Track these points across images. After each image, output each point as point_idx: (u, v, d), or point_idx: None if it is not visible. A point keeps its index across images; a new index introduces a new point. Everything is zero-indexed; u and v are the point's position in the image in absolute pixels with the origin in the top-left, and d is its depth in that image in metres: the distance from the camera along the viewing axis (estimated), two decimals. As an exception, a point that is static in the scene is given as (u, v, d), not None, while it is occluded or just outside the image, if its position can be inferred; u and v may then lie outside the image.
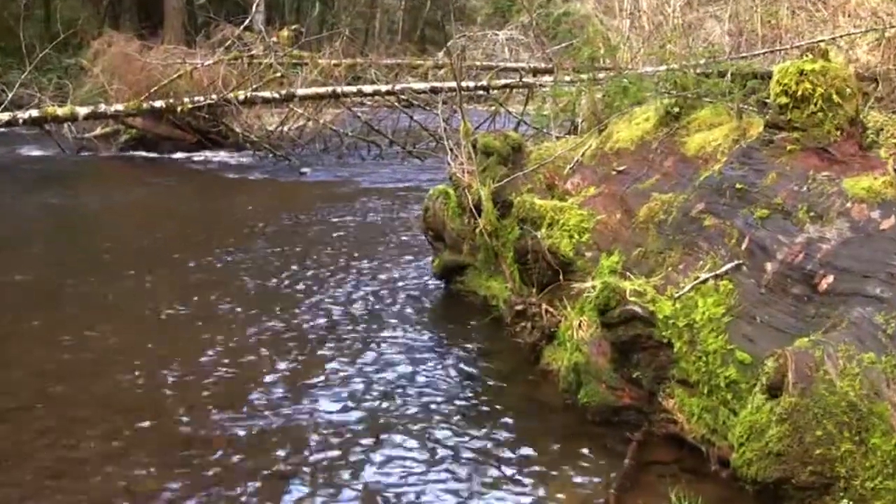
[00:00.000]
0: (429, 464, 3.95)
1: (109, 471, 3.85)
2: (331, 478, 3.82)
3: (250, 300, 6.42)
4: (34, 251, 8.12)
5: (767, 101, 4.63)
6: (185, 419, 4.38)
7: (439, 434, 4.25)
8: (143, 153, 15.33)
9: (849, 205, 3.86)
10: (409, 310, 6.29)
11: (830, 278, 3.69)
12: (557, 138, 7.29)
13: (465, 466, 3.93)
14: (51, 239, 8.79)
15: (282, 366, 5.13)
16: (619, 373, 4.30)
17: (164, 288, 6.75)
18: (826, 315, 3.60)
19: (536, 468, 3.93)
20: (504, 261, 5.93)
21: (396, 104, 15.26)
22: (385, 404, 4.60)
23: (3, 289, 6.78)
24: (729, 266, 4.08)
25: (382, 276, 7.13)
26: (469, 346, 5.59)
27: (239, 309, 6.19)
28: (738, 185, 4.31)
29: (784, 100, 4.25)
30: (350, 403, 4.60)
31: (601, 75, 7.76)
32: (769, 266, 3.93)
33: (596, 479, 3.84)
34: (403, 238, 8.67)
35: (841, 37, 10.71)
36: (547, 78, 13.90)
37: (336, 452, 4.04)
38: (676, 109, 5.45)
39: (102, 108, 14.13)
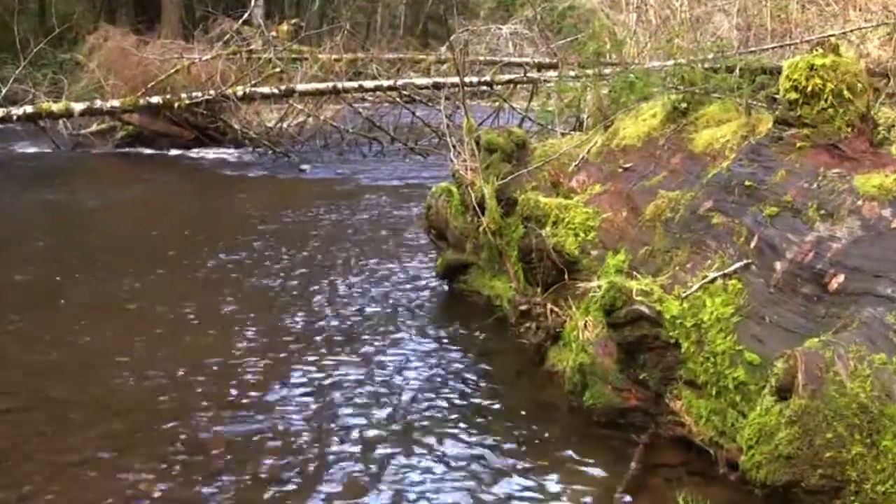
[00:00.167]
0: (431, 466, 3.95)
1: (105, 473, 3.85)
2: (331, 480, 3.82)
3: (249, 300, 6.43)
4: (29, 250, 8.13)
5: (777, 96, 4.63)
6: (183, 421, 4.38)
7: (442, 436, 4.25)
8: (140, 150, 15.35)
9: (860, 202, 3.86)
10: (411, 310, 6.29)
11: (841, 278, 3.69)
12: (562, 135, 7.29)
13: (467, 469, 3.93)
14: (46, 237, 8.80)
15: (281, 367, 5.14)
16: (625, 374, 4.30)
17: (162, 287, 6.76)
18: (836, 315, 3.60)
19: (541, 471, 3.93)
20: (508, 260, 5.93)
21: (398, 100, 15.26)
22: (387, 406, 4.60)
23: (-2, 288, 6.81)
24: (737, 265, 4.08)
25: (384, 276, 7.14)
26: (472, 346, 5.59)
27: (238, 308, 6.20)
28: (746, 183, 4.31)
29: (794, 95, 4.25)
30: (351, 405, 4.60)
31: (607, 70, 7.75)
32: (778, 265, 3.93)
33: (602, 483, 3.84)
34: (405, 237, 8.67)
35: (852, 31, 10.69)
36: (551, 73, 13.88)
37: (337, 454, 4.04)
38: (684, 105, 5.45)
39: (98, 104, 14.13)
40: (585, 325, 4.74)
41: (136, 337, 5.60)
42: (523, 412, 4.57)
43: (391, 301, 6.47)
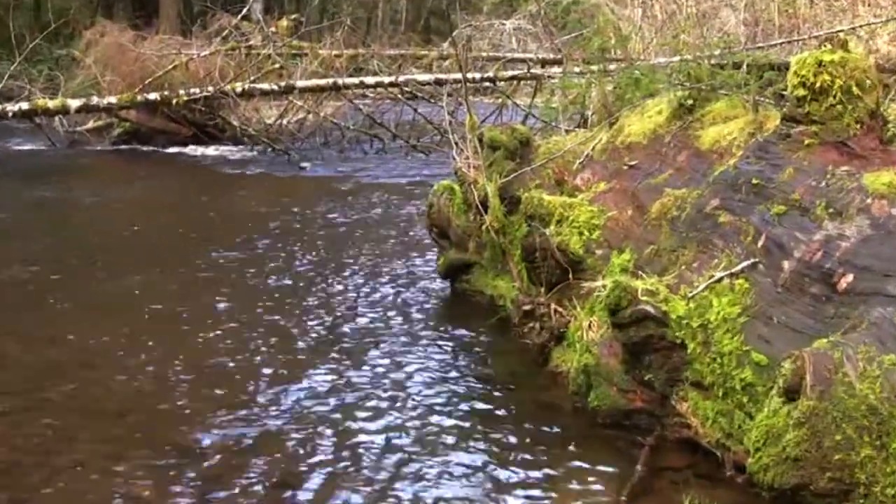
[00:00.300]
0: (434, 469, 3.95)
1: (103, 477, 3.85)
2: (332, 482, 3.82)
3: (248, 299, 6.43)
4: (26, 249, 8.13)
5: (784, 93, 4.63)
6: (182, 423, 4.39)
7: (445, 438, 4.25)
8: (137, 147, 15.36)
9: (869, 201, 3.86)
10: (412, 310, 6.30)
11: (850, 277, 3.69)
12: (567, 132, 7.30)
13: (471, 471, 3.93)
14: (43, 236, 8.80)
15: (281, 368, 5.14)
16: (630, 375, 4.30)
17: (160, 286, 6.77)
18: (845, 315, 3.60)
19: (545, 474, 3.93)
20: (511, 259, 5.93)
21: (400, 96, 15.27)
22: (389, 408, 4.60)
23: (-7, 287, 6.82)
24: (745, 264, 4.08)
25: (385, 275, 7.14)
26: (475, 347, 5.60)
27: (237, 308, 6.21)
28: (754, 181, 4.31)
29: (802, 92, 4.25)
30: (353, 406, 4.60)
31: (612, 66, 7.76)
32: (786, 264, 3.93)
33: (607, 486, 3.84)
34: (407, 235, 8.68)
35: (861, 26, 10.70)
36: (556, 69, 13.91)
37: (338, 456, 4.04)
38: (690, 102, 5.45)
39: (95, 100, 14.16)
40: (590, 326, 4.74)
41: (135, 337, 5.60)
42: (526, 414, 4.56)
43: (392, 301, 6.47)
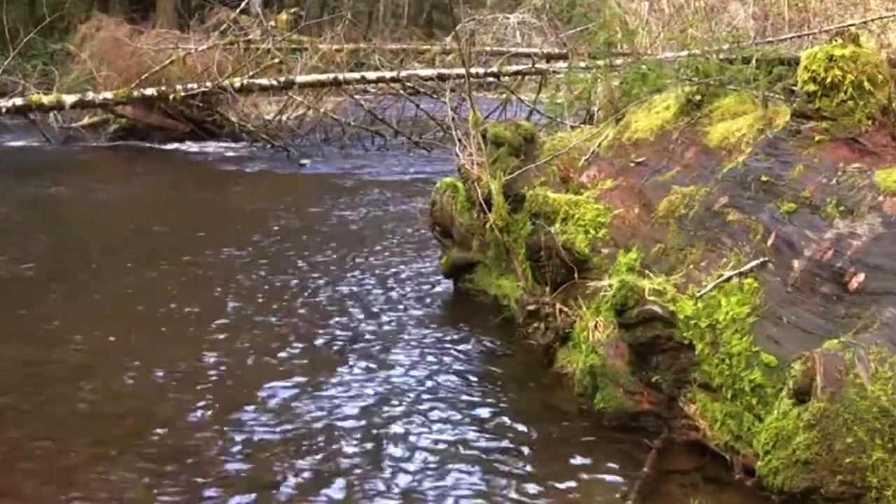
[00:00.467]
0: (437, 471, 3.96)
1: (98, 479, 3.86)
2: (333, 484, 3.83)
3: (247, 299, 6.44)
4: (19, 246, 8.13)
5: (794, 88, 4.63)
6: (179, 424, 4.40)
7: (448, 440, 4.26)
8: (134, 144, 15.36)
9: (881, 198, 3.86)
10: (415, 310, 6.30)
11: (861, 276, 3.69)
12: (572, 128, 7.29)
13: (474, 475, 3.94)
14: (37, 234, 8.81)
15: (281, 368, 5.15)
16: (637, 376, 4.30)
17: (157, 285, 6.77)
18: (857, 315, 3.60)
19: (550, 477, 3.93)
20: (516, 258, 5.94)
21: (402, 92, 15.26)
22: (391, 410, 4.61)
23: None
24: (754, 263, 4.09)
25: (387, 275, 7.15)
26: (479, 348, 5.60)
27: (236, 308, 6.22)
28: (763, 178, 4.32)
29: (812, 87, 4.25)
30: (354, 408, 4.61)
31: (618, 61, 7.74)
32: (796, 263, 3.93)
33: (613, 489, 3.84)
34: (409, 234, 8.68)
35: (872, 20, 10.68)
36: (561, 64, 13.88)
37: (339, 458, 4.05)
38: (698, 97, 5.45)
39: (90, 96, 14.15)
40: (596, 326, 4.74)
41: (133, 336, 5.62)
42: (531, 416, 4.57)
43: (394, 301, 6.48)
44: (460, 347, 5.58)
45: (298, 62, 15.57)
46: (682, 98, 5.55)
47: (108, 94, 14.18)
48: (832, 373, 3.24)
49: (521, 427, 4.43)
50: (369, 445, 4.20)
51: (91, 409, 4.59)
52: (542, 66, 14.66)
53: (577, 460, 4.10)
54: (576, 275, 5.25)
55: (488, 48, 16.30)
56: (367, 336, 5.70)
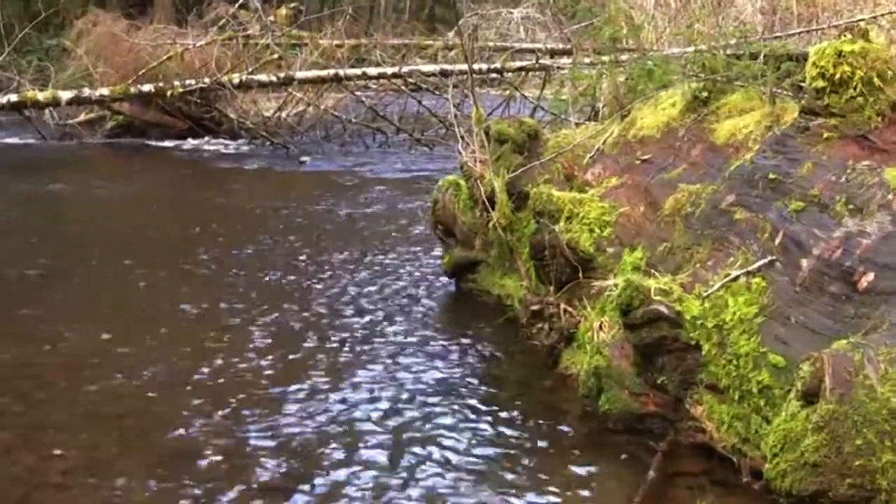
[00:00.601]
0: (439, 473, 3.96)
1: (93, 482, 3.86)
2: (333, 485, 3.83)
3: (246, 299, 6.44)
4: (15, 245, 8.15)
5: (803, 84, 4.63)
6: (178, 426, 4.39)
7: (450, 442, 4.26)
8: (131, 140, 15.38)
9: (890, 196, 3.86)
10: (417, 310, 6.31)
11: (871, 276, 3.69)
12: (577, 125, 7.30)
13: (477, 477, 3.94)
14: (33, 232, 8.81)
15: (281, 369, 5.15)
16: (642, 377, 4.30)
17: (154, 284, 6.78)
18: (866, 315, 3.60)
19: (554, 480, 3.93)
20: (519, 257, 5.94)
21: (403, 88, 15.28)
22: (392, 411, 4.61)
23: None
24: (761, 262, 4.08)
25: (388, 274, 7.15)
26: (481, 348, 5.60)
27: (234, 308, 6.22)
28: (771, 176, 4.31)
29: (821, 83, 4.25)
30: (355, 410, 4.61)
31: (624, 57, 7.75)
32: (805, 262, 3.93)
33: (619, 492, 3.84)
34: (410, 232, 8.69)
35: (882, 15, 10.69)
36: (565, 60, 13.91)
37: (340, 460, 4.05)
38: (705, 94, 5.45)
39: (87, 92, 14.16)
40: (601, 326, 4.74)
41: (130, 336, 5.62)
42: (535, 417, 4.57)
43: (396, 301, 6.48)
44: (462, 348, 5.58)
45: (298, 58, 15.59)
46: (688, 94, 5.54)
47: (105, 91, 14.20)
48: (841, 374, 3.24)
49: (525, 429, 4.43)
50: (370, 446, 4.20)
51: (91, 409, 4.59)
52: (546, 61, 14.67)
53: (582, 463, 4.10)
54: (580, 274, 5.25)
55: (491, 43, 16.31)
56: (368, 337, 5.70)
